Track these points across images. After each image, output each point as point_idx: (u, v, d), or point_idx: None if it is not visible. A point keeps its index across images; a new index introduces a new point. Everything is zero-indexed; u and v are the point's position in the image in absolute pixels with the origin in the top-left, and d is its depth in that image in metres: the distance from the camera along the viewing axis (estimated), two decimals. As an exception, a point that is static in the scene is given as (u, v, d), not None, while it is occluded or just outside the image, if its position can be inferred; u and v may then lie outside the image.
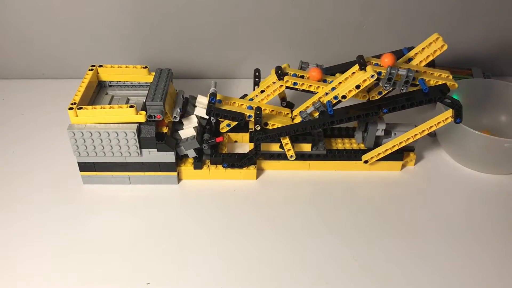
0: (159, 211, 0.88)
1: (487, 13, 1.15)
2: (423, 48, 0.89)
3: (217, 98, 0.90)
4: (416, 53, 0.90)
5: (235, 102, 0.92)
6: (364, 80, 0.84)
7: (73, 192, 0.91)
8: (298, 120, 0.92)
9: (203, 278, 0.76)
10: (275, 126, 0.91)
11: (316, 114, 0.90)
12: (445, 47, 0.86)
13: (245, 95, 1.01)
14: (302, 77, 0.92)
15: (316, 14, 1.15)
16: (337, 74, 0.93)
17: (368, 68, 0.85)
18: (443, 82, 0.87)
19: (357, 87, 0.85)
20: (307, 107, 0.91)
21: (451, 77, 0.88)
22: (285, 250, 0.81)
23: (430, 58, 0.88)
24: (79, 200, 0.89)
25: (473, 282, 0.76)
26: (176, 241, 0.82)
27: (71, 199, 0.89)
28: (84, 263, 0.78)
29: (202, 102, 0.92)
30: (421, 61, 0.89)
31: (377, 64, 0.87)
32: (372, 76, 0.83)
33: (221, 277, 0.76)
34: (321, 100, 0.89)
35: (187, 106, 0.93)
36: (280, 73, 0.91)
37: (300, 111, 0.91)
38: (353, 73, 0.87)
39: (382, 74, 0.84)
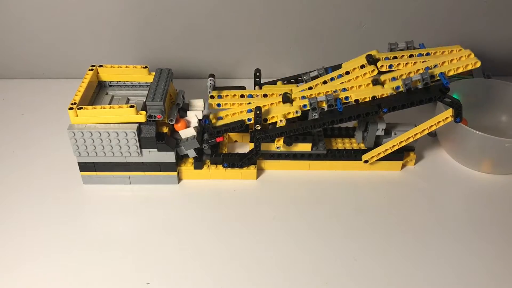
0: (159, 211, 0.88)
1: (487, 13, 1.15)
2: (452, 60, 0.86)
3: (218, 115, 0.91)
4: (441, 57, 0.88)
5: (235, 113, 0.92)
6: (382, 95, 0.86)
7: (73, 192, 0.91)
8: (297, 103, 0.90)
9: (203, 278, 0.76)
10: (275, 119, 0.90)
11: (324, 105, 0.88)
12: (478, 64, 0.85)
13: (243, 87, 0.99)
14: (395, 58, 0.90)
15: (316, 14, 1.15)
16: (343, 64, 0.92)
17: (386, 86, 0.87)
18: (466, 64, 0.85)
19: (374, 98, 0.87)
20: (311, 94, 0.89)
21: (472, 55, 0.86)
22: (285, 250, 0.81)
23: (460, 70, 0.86)
24: (79, 200, 0.89)
25: (473, 281, 0.76)
26: (176, 241, 0.82)
27: (71, 199, 0.89)
28: (84, 263, 0.78)
29: (196, 105, 0.92)
30: (435, 52, 0.88)
31: (394, 79, 0.88)
32: (391, 94, 0.86)
33: (221, 277, 0.76)
34: (334, 94, 0.88)
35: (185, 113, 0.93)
36: (372, 61, 0.89)
37: (303, 95, 0.90)
38: (368, 84, 0.88)
39: (401, 88, 0.86)
